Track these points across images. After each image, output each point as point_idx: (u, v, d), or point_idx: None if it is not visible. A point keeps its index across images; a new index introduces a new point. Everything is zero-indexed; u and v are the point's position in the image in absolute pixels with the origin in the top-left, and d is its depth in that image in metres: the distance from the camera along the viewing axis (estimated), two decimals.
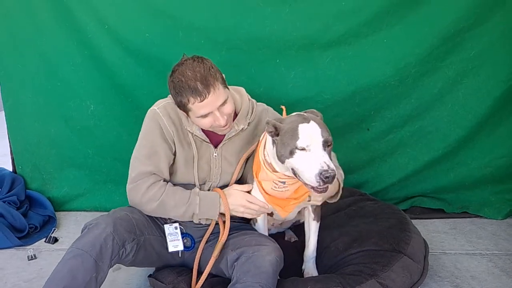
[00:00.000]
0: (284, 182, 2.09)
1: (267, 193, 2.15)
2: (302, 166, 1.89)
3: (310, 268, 2.36)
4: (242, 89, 2.36)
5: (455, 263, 2.68)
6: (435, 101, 3.13)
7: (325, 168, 1.83)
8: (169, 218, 2.28)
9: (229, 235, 2.19)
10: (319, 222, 2.36)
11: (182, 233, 2.27)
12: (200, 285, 2.16)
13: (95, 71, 3.14)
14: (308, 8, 2.94)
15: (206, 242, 2.29)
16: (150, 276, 2.37)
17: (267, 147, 2.09)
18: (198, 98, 2.02)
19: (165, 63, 2.97)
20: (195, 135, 2.21)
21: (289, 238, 2.73)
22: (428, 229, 3.07)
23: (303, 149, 1.89)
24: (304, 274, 2.35)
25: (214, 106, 2.06)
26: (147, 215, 2.24)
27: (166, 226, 2.26)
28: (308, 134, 1.90)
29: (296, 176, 1.97)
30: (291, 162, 1.93)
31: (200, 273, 2.21)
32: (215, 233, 2.26)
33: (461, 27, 2.96)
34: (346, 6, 2.92)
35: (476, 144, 3.20)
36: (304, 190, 2.13)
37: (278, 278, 2.25)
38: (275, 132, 1.97)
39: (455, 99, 3.12)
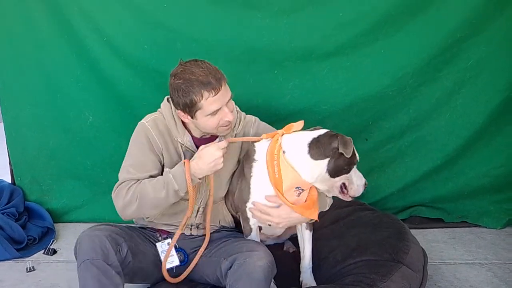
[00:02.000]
0: (303, 189, 2.13)
1: (289, 202, 2.14)
2: (355, 178, 2.16)
3: (307, 278, 2.35)
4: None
5: (454, 273, 2.68)
6: (433, 111, 3.14)
7: (365, 180, 2.20)
8: (159, 235, 2.30)
9: (221, 242, 2.21)
10: (311, 231, 2.37)
11: (175, 249, 2.27)
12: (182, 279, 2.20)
13: (94, 82, 3.15)
14: (306, 19, 2.96)
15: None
16: None
17: (296, 159, 2.09)
18: (213, 92, 2.03)
19: (163, 74, 2.93)
20: (185, 146, 2.22)
21: (287, 248, 2.72)
22: (427, 238, 3.07)
23: (355, 164, 2.14)
24: (302, 285, 2.34)
25: (224, 100, 2.09)
26: (131, 229, 2.26)
27: (159, 244, 2.27)
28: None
29: (340, 188, 2.17)
30: (347, 176, 2.14)
31: (195, 284, 2.22)
32: (212, 241, 2.27)
33: (458, 37, 2.98)
34: (344, 18, 2.94)
35: (474, 154, 3.21)
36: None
37: None
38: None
39: (453, 109, 3.13)
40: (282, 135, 2.17)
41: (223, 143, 2.12)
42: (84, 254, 1.97)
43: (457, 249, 2.95)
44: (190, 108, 2.08)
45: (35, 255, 3.00)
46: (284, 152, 2.10)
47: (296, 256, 2.50)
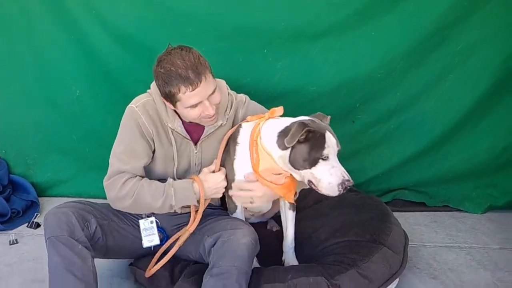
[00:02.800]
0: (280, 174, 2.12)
1: (266, 180, 2.14)
2: (324, 175, 1.98)
3: (290, 258, 2.38)
4: (222, 82, 2.33)
5: (434, 255, 2.73)
6: (420, 95, 3.15)
7: (347, 178, 1.98)
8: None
9: (206, 221, 2.22)
10: (295, 212, 2.38)
11: (157, 227, 2.28)
12: (156, 269, 2.19)
13: (82, 56, 3.11)
14: None
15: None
16: (131, 264, 2.39)
17: (269, 147, 2.09)
18: (190, 87, 2.00)
19: (152, 50, 2.92)
20: (175, 131, 2.21)
21: (271, 227, 2.75)
22: (409, 221, 3.12)
23: (326, 158, 1.97)
24: (284, 264, 2.37)
25: (205, 95, 2.05)
26: (110, 208, 2.26)
27: (142, 221, 2.27)
28: (330, 144, 1.98)
29: (309, 183, 2.03)
30: (311, 171, 2.00)
31: (177, 260, 2.23)
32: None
33: (449, 21, 2.97)
34: None
35: (460, 138, 3.24)
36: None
37: (260, 266, 2.29)
38: (305, 139, 1.98)
39: (440, 93, 3.14)
40: (268, 119, 2.16)
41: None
42: (49, 230, 1.99)
43: (437, 232, 3.00)
44: (170, 98, 2.07)
45: (18, 228, 3.01)
46: (261, 139, 2.10)
47: (279, 235, 2.53)
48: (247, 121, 2.24)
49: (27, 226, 2.99)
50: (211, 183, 2.16)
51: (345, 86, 3.09)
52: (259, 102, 2.48)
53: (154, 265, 2.21)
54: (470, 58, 3.05)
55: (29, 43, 3.13)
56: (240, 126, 2.25)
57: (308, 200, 2.83)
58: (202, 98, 2.05)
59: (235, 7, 2.95)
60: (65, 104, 3.22)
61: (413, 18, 2.96)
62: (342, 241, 2.39)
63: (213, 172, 2.20)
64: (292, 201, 2.27)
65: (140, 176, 2.20)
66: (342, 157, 3.16)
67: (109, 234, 2.18)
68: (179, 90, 2.01)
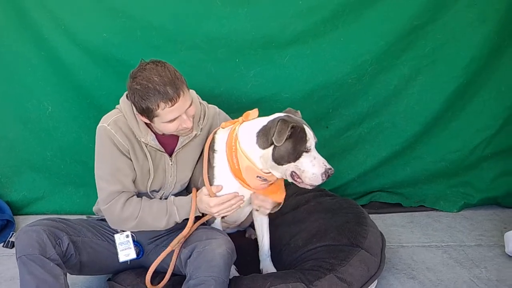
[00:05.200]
0: (265, 179, 2.14)
1: (256, 189, 2.17)
2: (307, 167, 2.04)
3: (267, 266, 2.39)
4: (193, 92, 2.32)
5: (411, 256, 2.76)
6: (391, 98, 3.21)
7: (329, 166, 2.06)
8: None
9: (180, 232, 2.21)
10: (268, 218, 2.40)
11: (133, 241, 2.27)
12: (163, 283, 2.18)
13: (52, 72, 3.10)
14: (266, 7, 2.98)
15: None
16: (109, 280, 2.37)
17: (248, 150, 2.09)
18: (169, 103, 1.99)
19: (123, 63, 2.96)
20: (149, 145, 2.20)
21: (249, 235, 2.76)
22: (386, 223, 3.15)
23: (308, 150, 2.03)
24: (262, 272, 2.38)
25: (183, 109, 2.05)
26: (84, 223, 2.26)
27: (117, 236, 2.25)
28: (310, 136, 2.04)
29: (291, 177, 2.07)
30: (296, 164, 2.04)
31: (155, 273, 2.22)
32: (172, 233, 2.28)
33: (415, 25, 3.05)
34: (303, 6, 2.97)
35: (431, 139, 3.31)
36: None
37: (238, 275, 2.29)
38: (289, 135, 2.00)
39: (410, 95, 3.21)
40: (242, 123, 2.17)
41: (223, 198, 2.16)
42: (20, 249, 1.97)
43: (414, 232, 3.04)
44: (147, 113, 2.05)
45: None
46: (239, 143, 2.11)
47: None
48: (223, 128, 2.23)
49: (2, 246, 2.91)
50: (203, 205, 2.17)
51: (317, 92, 3.13)
52: (232, 111, 2.50)
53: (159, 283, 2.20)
54: (437, 61, 3.13)
55: None
56: (215, 133, 2.25)
57: (284, 206, 2.81)
58: (180, 113, 2.05)
59: (204, 18, 2.97)
60: (37, 121, 3.19)
61: (380, 23, 3.03)
62: (320, 246, 2.40)
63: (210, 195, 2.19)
64: (282, 201, 2.28)
65: (136, 194, 2.22)
66: None
67: (83, 250, 2.16)
68: (158, 107, 2.00)
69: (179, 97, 2.00)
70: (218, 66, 3.06)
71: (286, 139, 1.99)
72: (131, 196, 2.19)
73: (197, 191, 2.24)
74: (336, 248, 2.35)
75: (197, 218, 2.24)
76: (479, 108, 3.23)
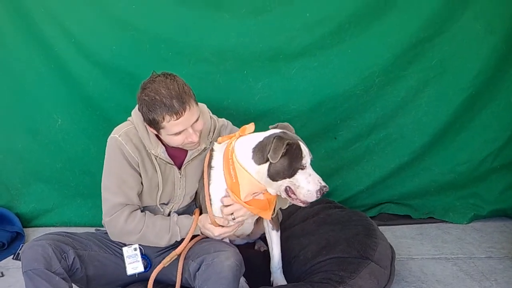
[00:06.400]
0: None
1: (250, 204, 2.15)
2: (303, 183, 2.04)
3: (278, 278, 2.37)
4: (204, 106, 2.33)
5: (421, 268, 2.74)
6: (399, 109, 3.21)
7: (323, 184, 2.06)
8: None
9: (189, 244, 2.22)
10: (279, 231, 2.39)
11: (141, 254, 2.27)
12: None
13: (62, 84, 3.12)
14: (273, 20, 2.99)
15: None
16: None
17: (246, 164, 2.09)
18: (175, 116, 2.01)
19: (132, 75, 2.99)
20: (159, 158, 2.20)
21: (258, 247, 2.75)
22: (396, 235, 3.14)
23: (303, 168, 2.04)
24: (273, 284, 2.37)
25: (188, 123, 2.06)
26: (92, 237, 2.28)
27: (125, 249, 2.25)
28: (305, 153, 2.04)
29: (286, 193, 2.08)
30: (291, 180, 2.04)
31: (164, 285, 2.23)
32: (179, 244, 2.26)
33: (422, 37, 3.05)
34: (311, 18, 2.98)
35: (440, 151, 3.30)
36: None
37: (248, 287, 2.28)
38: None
39: (418, 107, 3.20)
40: (238, 137, 2.18)
41: (224, 230, 2.19)
42: (26, 264, 1.98)
43: (424, 244, 3.03)
44: (154, 125, 2.07)
45: (4, 260, 2.96)
46: (235, 156, 2.11)
47: (267, 255, 2.52)
48: (219, 143, 2.24)
49: (12, 258, 2.94)
50: (207, 232, 2.21)
51: (325, 103, 3.14)
52: (240, 122, 2.47)
53: None
54: (445, 73, 3.13)
55: (7, 72, 3.13)
56: (212, 150, 2.25)
57: (294, 219, 2.84)
58: (186, 126, 2.06)
59: (213, 31, 2.99)
60: (47, 133, 3.21)
61: (387, 36, 3.04)
62: (329, 258, 2.40)
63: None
64: (270, 218, 2.28)
65: (139, 208, 2.23)
66: (326, 174, 3.20)
67: (89, 264, 2.17)
68: (163, 119, 2.01)
69: (184, 111, 2.02)
70: (226, 78, 3.08)
71: (282, 156, 2.00)
72: (135, 210, 2.20)
73: (200, 211, 2.27)
74: (346, 261, 2.34)
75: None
76: (487, 120, 3.22)
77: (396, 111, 3.21)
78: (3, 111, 3.21)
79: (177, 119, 2.01)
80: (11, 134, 3.25)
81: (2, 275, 2.77)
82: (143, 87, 2.06)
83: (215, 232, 2.17)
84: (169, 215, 2.30)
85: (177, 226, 2.19)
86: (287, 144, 2.00)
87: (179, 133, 2.07)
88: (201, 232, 2.24)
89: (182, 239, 2.21)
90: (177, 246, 2.21)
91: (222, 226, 2.18)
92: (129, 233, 2.17)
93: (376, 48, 3.05)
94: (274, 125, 2.23)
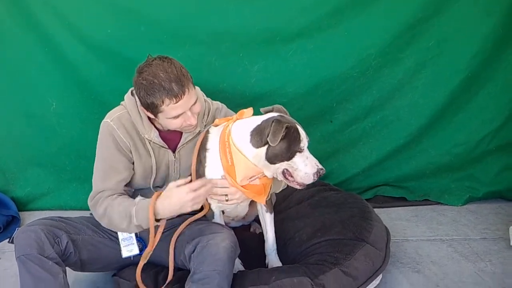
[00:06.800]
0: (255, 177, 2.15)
1: (244, 187, 2.15)
2: (300, 166, 2.06)
3: (273, 260, 2.39)
4: (198, 89, 2.31)
5: (416, 249, 2.76)
6: (395, 92, 3.21)
7: (320, 167, 2.08)
8: None
9: (184, 227, 2.21)
10: (272, 214, 2.40)
11: (136, 237, 2.27)
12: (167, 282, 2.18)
13: (56, 68, 3.09)
14: (270, 2, 2.97)
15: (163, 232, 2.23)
16: (114, 275, 2.38)
17: (243, 147, 2.09)
18: (174, 99, 2.00)
19: (128, 58, 2.96)
20: (153, 142, 2.20)
21: (254, 229, 2.76)
22: (391, 217, 3.15)
23: (301, 151, 2.06)
24: (268, 266, 2.38)
25: (187, 106, 2.05)
26: (86, 221, 2.27)
27: (120, 232, 2.25)
28: (303, 136, 2.06)
29: (283, 175, 2.09)
30: (289, 163, 2.06)
31: (161, 268, 2.23)
32: (174, 227, 2.26)
33: (420, 18, 3.04)
34: (307, 0, 2.96)
35: (437, 133, 3.30)
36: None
37: (244, 269, 2.29)
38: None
39: (415, 89, 3.20)
40: (235, 120, 2.17)
41: (196, 184, 2.01)
42: (19, 249, 1.99)
43: (419, 226, 3.04)
44: (152, 109, 2.06)
45: (0, 244, 2.96)
46: (232, 139, 2.11)
47: (263, 237, 2.52)
48: (216, 125, 2.24)
49: (8, 242, 2.91)
50: (175, 198, 2.01)
51: (321, 86, 3.13)
52: (236, 106, 2.48)
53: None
54: (442, 54, 3.12)
55: (2, 57, 3.09)
56: (208, 132, 2.25)
57: (289, 201, 2.85)
58: (184, 109, 2.05)
59: (208, 13, 2.97)
60: (42, 117, 3.19)
61: (385, 17, 3.02)
62: (324, 240, 2.41)
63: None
64: (264, 203, 2.29)
65: (119, 194, 2.19)
66: (322, 157, 3.21)
67: (83, 248, 2.17)
68: (163, 103, 2.00)
69: (184, 94, 2.01)
70: (222, 61, 3.06)
71: (281, 139, 2.00)
72: (111, 195, 2.16)
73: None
74: (341, 242, 2.35)
75: (192, 214, 2.24)
76: (484, 101, 3.22)
77: (393, 93, 3.20)
78: None
79: (177, 102, 2.01)
80: (6, 119, 3.23)
81: None
82: (140, 71, 2.04)
83: (182, 190, 1.99)
84: None
85: (134, 208, 2.08)
86: (286, 128, 2.00)
87: (178, 116, 2.06)
88: (160, 208, 2.04)
89: (179, 217, 2.19)
90: (174, 229, 2.21)
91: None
92: (101, 217, 2.16)
93: (373, 29, 3.03)
94: (266, 108, 2.22)
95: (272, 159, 2.06)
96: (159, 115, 2.07)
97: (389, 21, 3.04)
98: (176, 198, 2.01)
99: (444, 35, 3.09)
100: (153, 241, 2.10)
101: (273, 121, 2.02)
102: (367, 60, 3.10)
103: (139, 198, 2.16)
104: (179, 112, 2.05)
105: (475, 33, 3.09)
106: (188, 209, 2.03)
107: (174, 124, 2.10)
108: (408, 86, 3.19)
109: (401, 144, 3.31)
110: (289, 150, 2.04)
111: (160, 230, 2.12)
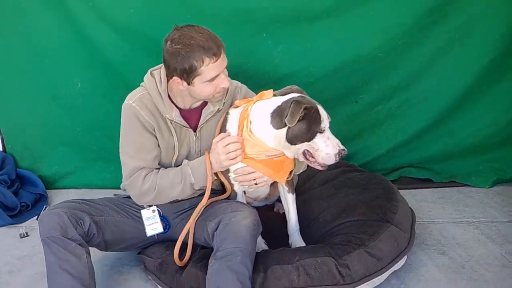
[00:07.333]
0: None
1: (261, 162, 2.16)
2: (322, 146, 2.05)
3: (296, 241, 2.38)
4: None
5: (442, 231, 2.73)
6: (422, 72, 3.14)
7: (342, 147, 2.07)
8: None
9: (207, 206, 2.23)
10: (294, 194, 2.39)
11: (159, 216, 2.30)
12: (188, 257, 2.22)
13: (81, 48, 3.11)
14: None
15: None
16: (139, 253, 2.43)
17: (261, 129, 2.10)
18: (214, 58, 2.02)
19: (151, 38, 2.96)
20: (174, 121, 2.21)
21: (277, 209, 2.75)
22: (417, 198, 3.11)
23: (323, 131, 2.04)
24: (291, 246, 2.38)
25: (223, 66, 2.09)
26: (109, 202, 2.31)
27: (143, 211, 2.29)
28: (324, 117, 2.04)
29: (304, 156, 2.09)
30: (309, 144, 2.05)
31: (184, 246, 2.24)
32: (195, 206, 2.27)
33: None
34: None
35: (464, 114, 3.24)
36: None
37: (267, 249, 2.30)
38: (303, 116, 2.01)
39: (442, 69, 3.13)
40: (255, 102, 2.17)
41: (238, 137, 2.13)
42: (43, 232, 2.04)
43: (445, 208, 3.00)
44: (188, 74, 2.05)
45: (28, 221, 3.03)
46: (251, 122, 2.11)
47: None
48: (236, 106, 2.24)
49: (36, 219, 3.02)
50: (220, 149, 2.11)
51: (346, 66, 3.09)
52: (260, 86, 2.45)
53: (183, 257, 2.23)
54: (471, 34, 3.04)
55: (27, 37, 3.12)
56: (228, 113, 2.25)
57: (313, 182, 2.83)
58: (220, 71, 2.08)
59: None
60: (67, 97, 3.23)
61: None
62: (349, 221, 2.39)
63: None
64: (284, 182, 2.28)
65: (156, 169, 2.23)
66: (347, 138, 3.20)
67: (107, 229, 2.21)
68: (203, 62, 2.02)
69: (220, 53, 2.05)
70: (246, 41, 3.03)
71: (300, 120, 2.01)
72: (151, 171, 2.21)
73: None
74: (366, 223, 2.34)
75: (215, 194, 2.27)
76: None
77: (420, 74, 3.14)
78: (24, 76, 3.23)
79: (216, 61, 2.03)
80: (33, 99, 3.28)
81: (27, 235, 2.84)
82: (170, 39, 2.05)
83: (224, 142, 2.11)
84: None
85: (188, 167, 2.18)
86: (305, 108, 1.99)
87: (213, 79, 2.07)
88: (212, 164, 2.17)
89: (198, 198, 2.22)
90: (194, 208, 2.24)
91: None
92: (146, 192, 2.19)
93: (399, 8, 2.96)
94: (281, 90, 2.22)
95: (292, 140, 2.05)
96: (195, 79, 2.07)
97: (416, 0, 2.96)
98: (220, 148, 2.12)
99: (472, 15, 3.00)
100: (208, 192, 2.18)
101: (292, 102, 2.01)
102: (394, 40, 3.04)
103: (185, 161, 2.24)
104: (216, 72, 2.06)
105: (504, 12, 2.99)
106: (238, 160, 2.15)
107: (207, 91, 2.11)
108: (436, 66, 3.12)
109: (427, 125, 3.25)
110: (310, 130, 2.03)
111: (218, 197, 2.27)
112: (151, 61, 2.33)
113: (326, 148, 2.05)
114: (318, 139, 2.05)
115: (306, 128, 2.03)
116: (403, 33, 3.02)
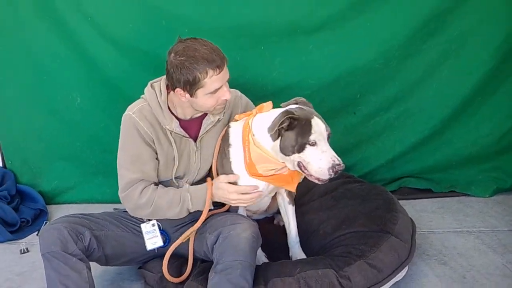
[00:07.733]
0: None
1: (267, 177, 2.17)
2: (313, 160, 2.02)
3: (296, 253, 2.38)
4: None
5: (442, 241, 2.73)
6: (419, 83, 3.16)
7: (337, 162, 2.00)
8: None
9: (206, 218, 2.23)
10: (294, 206, 2.40)
11: (159, 229, 2.31)
12: (188, 273, 2.21)
13: (80, 63, 3.13)
14: None
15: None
16: (139, 268, 2.42)
17: (260, 139, 2.11)
18: (217, 70, 2.03)
19: (149, 53, 2.99)
20: (174, 132, 2.22)
21: (278, 222, 2.76)
22: (416, 209, 3.12)
23: (313, 144, 2.00)
24: (292, 259, 2.38)
25: (225, 79, 2.10)
26: (109, 217, 2.31)
27: (143, 225, 2.29)
28: (318, 129, 2.01)
29: (299, 168, 2.07)
30: (300, 156, 2.04)
31: (185, 260, 2.25)
32: (196, 220, 2.26)
33: (443, 9, 2.98)
34: None
35: (462, 124, 3.25)
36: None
37: (268, 261, 2.30)
38: (290, 126, 2.02)
39: (439, 80, 3.15)
40: (255, 115, 2.18)
41: (243, 189, 2.16)
42: (44, 247, 2.04)
43: (445, 218, 3.00)
44: (191, 85, 2.06)
45: (28, 237, 3.03)
46: (253, 135, 2.12)
47: None
48: (236, 120, 2.26)
49: (36, 235, 3.01)
50: (221, 192, 2.17)
51: (344, 78, 3.10)
52: (258, 99, 2.47)
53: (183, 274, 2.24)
54: (467, 45, 3.07)
55: (26, 52, 3.14)
56: (229, 126, 2.27)
57: (313, 193, 2.83)
58: (222, 83, 2.09)
59: (229, 6, 2.96)
60: (66, 112, 3.24)
61: (407, 8, 2.97)
62: (349, 233, 2.39)
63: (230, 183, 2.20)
64: (294, 190, 2.29)
65: (154, 183, 2.24)
66: (346, 149, 3.23)
67: (107, 243, 2.21)
68: (207, 74, 2.03)
69: (224, 65, 2.07)
70: (243, 54, 3.04)
71: (287, 130, 2.02)
72: (149, 185, 2.22)
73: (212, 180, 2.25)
74: (366, 235, 2.33)
75: (214, 207, 2.27)
76: (510, 92, 3.16)
77: (417, 85, 3.16)
78: (23, 91, 3.24)
79: (219, 73, 2.05)
80: (32, 114, 3.29)
81: (27, 251, 2.84)
82: (174, 51, 2.06)
83: (230, 189, 2.16)
84: None
85: (188, 193, 2.19)
86: (291, 118, 2.00)
87: (216, 91, 2.08)
88: (213, 195, 2.21)
89: (197, 212, 2.23)
90: (194, 222, 2.23)
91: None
92: (143, 207, 2.19)
93: (395, 20, 2.99)
94: (287, 102, 2.22)
95: (283, 150, 2.06)
96: (198, 91, 2.08)
97: (411, 12, 2.99)
98: (222, 192, 2.17)
99: (467, 26, 3.03)
100: (203, 218, 2.19)
101: (281, 112, 2.03)
102: (390, 51, 3.06)
103: (186, 185, 2.27)
104: (219, 84, 2.08)
105: (499, 23, 3.02)
106: (232, 204, 2.22)
107: (209, 103, 2.12)
108: (432, 77, 3.14)
109: (426, 135, 3.26)
110: (297, 142, 2.02)
111: (215, 211, 2.28)
112: (149, 76, 2.34)
113: (318, 161, 2.01)
114: (309, 152, 2.03)
115: (294, 139, 2.02)
116: (399, 44, 3.04)
